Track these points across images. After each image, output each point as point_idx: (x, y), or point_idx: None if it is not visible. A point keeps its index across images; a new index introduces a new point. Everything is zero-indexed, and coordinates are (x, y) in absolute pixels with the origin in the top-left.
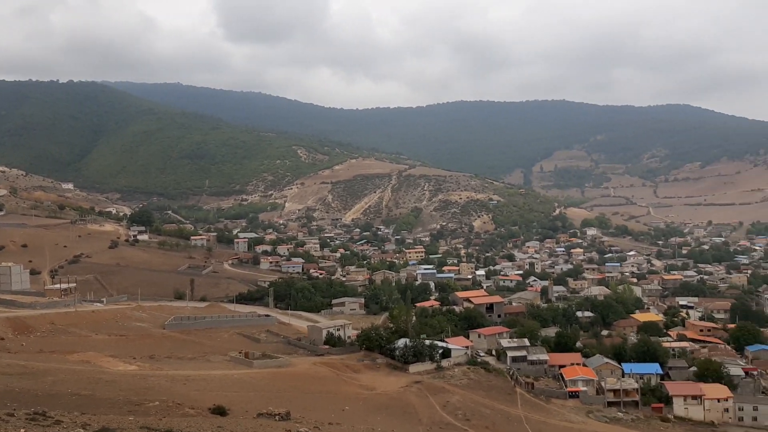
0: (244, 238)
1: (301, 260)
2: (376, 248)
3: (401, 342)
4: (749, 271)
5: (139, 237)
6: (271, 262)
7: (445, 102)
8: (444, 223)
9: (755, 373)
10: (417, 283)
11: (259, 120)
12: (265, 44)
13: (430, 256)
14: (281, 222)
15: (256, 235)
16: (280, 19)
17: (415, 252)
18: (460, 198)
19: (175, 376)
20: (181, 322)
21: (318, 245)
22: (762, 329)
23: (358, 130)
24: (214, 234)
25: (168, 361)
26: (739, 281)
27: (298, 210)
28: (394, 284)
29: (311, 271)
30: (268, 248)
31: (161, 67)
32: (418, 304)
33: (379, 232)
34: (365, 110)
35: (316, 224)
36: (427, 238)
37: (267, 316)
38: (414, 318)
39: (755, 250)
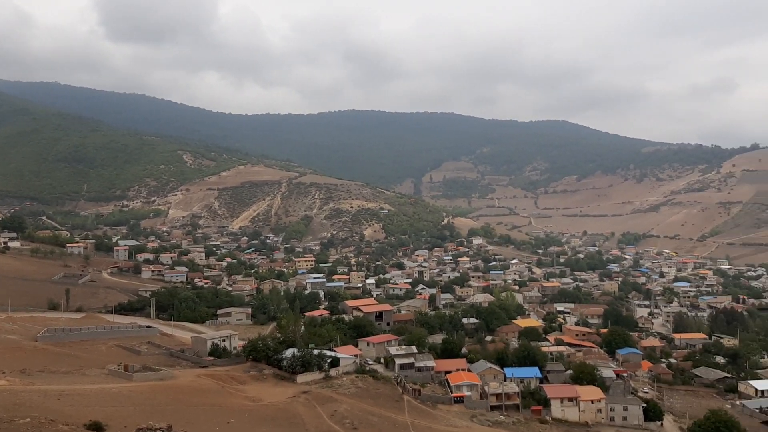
0: (125, 245)
1: (185, 269)
2: (265, 257)
3: (289, 352)
4: (620, 279)
5: (10, 244)
6: (153, 271)
7: (336, 110)
8: (335, 232)
9: (625, 374)
10: (306, 292)
11: (142, 123)
12: (149, 45)
13: (320, 265)
14: (164, 229)
15: (138, 243)
16: (166, 20)
17: (305, 261)
18: (352, 207)
19: (48, 391)
20: (54, 334)
21: (203, 254)
22: (631, 333)
23: (247, 136)
24: (92, 241)
25: (41, 375)
26: (610, 288)
27: (183, 217)
28: (282, 293)
29: (196, 280)
30: (150, 256)
31: (38, 66)
32: (307, 314)
33: (268, 241)
34: (255, 116)
35: (201, 232)
36: (318, 247)
37: (148, 327)
38: (302, 327)
39: (625, 258)
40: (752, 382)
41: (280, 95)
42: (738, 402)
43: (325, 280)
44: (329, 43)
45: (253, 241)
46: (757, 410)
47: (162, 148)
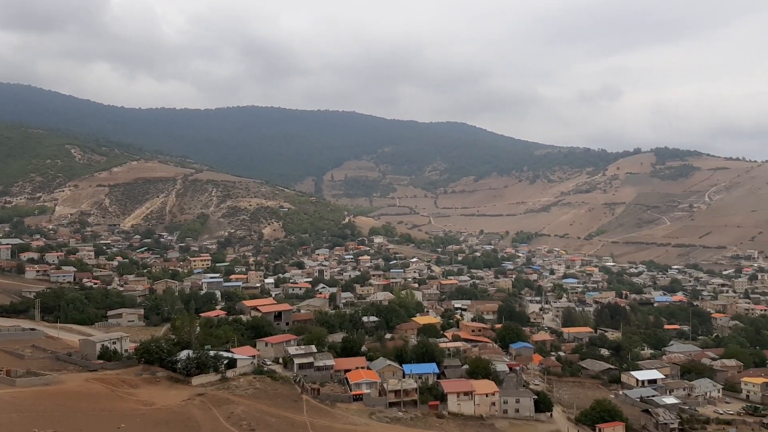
0: (7, 244)
1: (72, 269)
2: (159, 256)
3: (184, 354)
4: (514, 276)
5: None
6: (38, 271)
7: (235, 106)
8: (233, 231)
9: (518, 368)
10: (202, 292)
11: (27, 115)
12: (36, 33)
13: (217, 265)
14: (51, 227)
15: (21, 242)
16: (54, 7)
17: (201, 260)
18: (250, 205)
19: None
20: None
21: (93, 253)
22: (524, 328)
23: (141, 130)
24: None
25: None
26: (505, 285)
27: (71, 215)
28: (177, 294)
29: (84, 280)
30: (35, 255)
31: None
32: (202, 314)
33: (162, 239)
34: (149, 110)
35: (90, 230)
36: (215, 246)
37: (32, 329)
38: (198, 328)
39: (519, 256)
40: (633, 373)
41: (175, 89)
42: (621, 392)
43: (222, 279)
44: (227, 38)
45: (146, 240)
46: (638, 399)
47: (49, 142)
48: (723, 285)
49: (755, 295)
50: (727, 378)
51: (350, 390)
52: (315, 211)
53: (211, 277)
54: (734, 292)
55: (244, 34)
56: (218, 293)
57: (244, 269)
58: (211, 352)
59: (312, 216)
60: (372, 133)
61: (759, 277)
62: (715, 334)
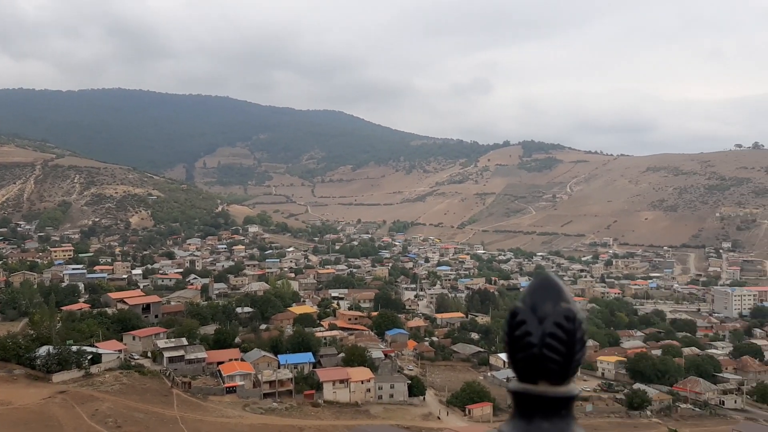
0: None
1: None
2: (15, 247)
3: (43, 350)
4: (390, 264)
5: None
6: None
7: (100, 88)
8: (97, 219)
9: (393, 354)
10: (64, 284)
11: None
12: None
13: (80, 255)
14: None
15: None
16: None
17: (63, 251)
18: (116, 192)
19: None
20: None
21: None
22: (399, 315)
23: None
24: None
25: None
26: (381, 273)
27: None
28: (35, 286)
29: None
30: None
31: None
32: (64, 308)
33: (19, 229)
34: (4, 90)
35: None
36: (77, 236)
37: None
38: (59, 323)
39: (395, 245)
40: (501, 355)
41: (35, 69)
42: (489, 373)
43: (85, 271)
44: (90, 16)
45: (1, 230)
46: (505, 380)
47: None
48: (582, 270)
49: (610, 279)
50: (585, 357)
51: (223, 382)
52: (186, 199)
53: (73, 269)
54: (592, 276)
55: (108, 12)
56: (81, 285)
57: (109, 260)
58: (74, 348)
59: (183, 204)
60: (247, 120)
61: (614, 262)
62: None
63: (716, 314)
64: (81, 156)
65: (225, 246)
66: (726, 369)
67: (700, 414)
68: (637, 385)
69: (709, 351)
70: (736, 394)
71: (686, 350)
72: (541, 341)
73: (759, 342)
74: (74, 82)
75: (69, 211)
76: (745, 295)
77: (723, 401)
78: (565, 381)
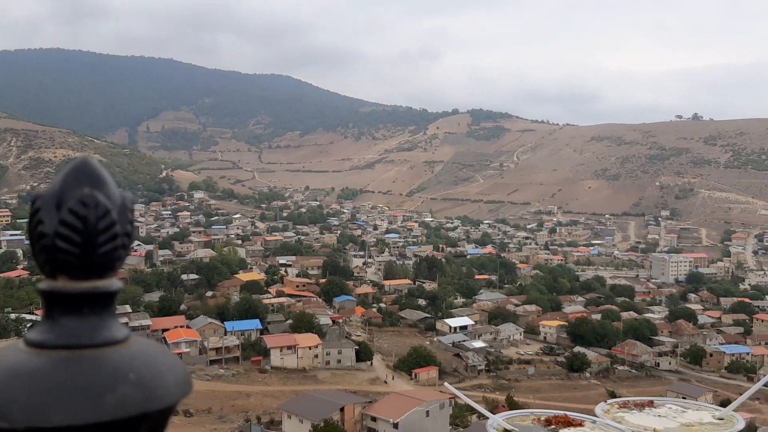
0: None
1: None
2: None
3: None
4: (338, 232)
5: None
6: None
7: (37, 48)
8: (36, 184)
9: (340, 321)
10: (1, 250)
11: None
12: None
13: (18, 221)
14: None
15: None
16: None
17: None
18: (56, 156)
19: None
20: None
21: None
22: (347, 282)
23: None
24: None
25: None
26: (330, 241)
27: None
28: None
29: None
30: None
31: None
32: (2, 275)
33: None
34: None
35: None
36: (15, 201)
37: None
38: None
39: (344, 212)
40: (447, 321)
41: None
42: (435, 338)
43: (23, 237)
44: None
45: None
46: (450, 344)
47: None
48: (527, 238)
49: (554, 246)
50: (528, 322)
51: (169, 349)
52: (129, 164)
53: (11, 235)
54: (536, 244)
55: None
56: (20, 252)
57: None
58: (13, 316)
59: (126, 169)
60: (191, 83)
61: (557, 230)
62: (518, 283)
63: (654, 280)
64: (17, 118)
65: (170, 212)
66: (662, 332)
67: (636, 375)
68: (577, 348)
69: (646, 315)
70: (671, 356)
71: (625, 314)
72: (54, 230)
73: (693, 306)
74: (8, 41)
75: (5, 175)
76: (681, 262)
77: (658, 363)
78: (87, 275)
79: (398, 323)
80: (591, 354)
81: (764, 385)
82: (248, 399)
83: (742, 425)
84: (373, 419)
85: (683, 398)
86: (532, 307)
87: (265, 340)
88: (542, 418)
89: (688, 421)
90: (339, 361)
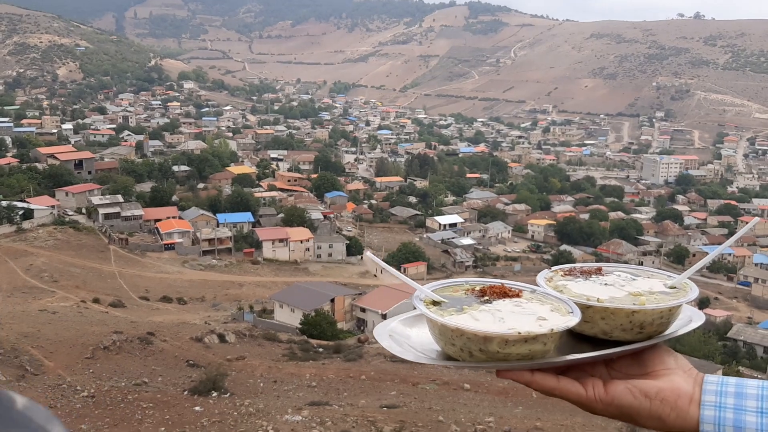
0: None
1: None
2: None
3: None
4: (330, 127)
5: None
6: None
7: None
8: (22, 70)
9: (332, 216)
10: None
11: None
12: None
13: (5, 108)
14: None
15: None
16: None
17: None
18: (41, 42)
19: None
20: None
21: None
22: (339, 177)
23: None
24: None
25: None
26: (322, 135)
27: None
28: None
29: None
30: None
31: None
32: None
33: None
34: None
35: None
36: (1, 87)
37: None
38: None
39: (336, 107)
40: (437, 218)
41: None
42: (425, 235)
43: (11, 125)
44: None
45: None
46: (440, 241)
47: None
48: (520, 137)
49: (546, 146)
50: (517, 220)
51: (161, 240)
52: (117, 51)
53: None
54: (529, 143)
55: None
56: (8, 139)
57: (37, 113)
58: (4, 203)
59: (114, 57)
60: None
61: (551, 129)
62: (510, 182)
63: (644, 181)
64: (0, 2)
65: (159, 102)
66: (648, 232)
67: None
68: (563, 247)
69: (634, 215)
70: (655, 256)
71: (612, 214)
72: None
73: (680, 208)
74: None
75: None
76: (672, 163)
77: (642, 262)
78: None
79: (389, 220)
80: (576, 252)
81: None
82: (241, 289)
83: (695, 294)
84: (363, 310)
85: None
86: (522, 206)
87: (257, 233)
88: (476, 288)
89: (637, 289)
90: (330, 255)
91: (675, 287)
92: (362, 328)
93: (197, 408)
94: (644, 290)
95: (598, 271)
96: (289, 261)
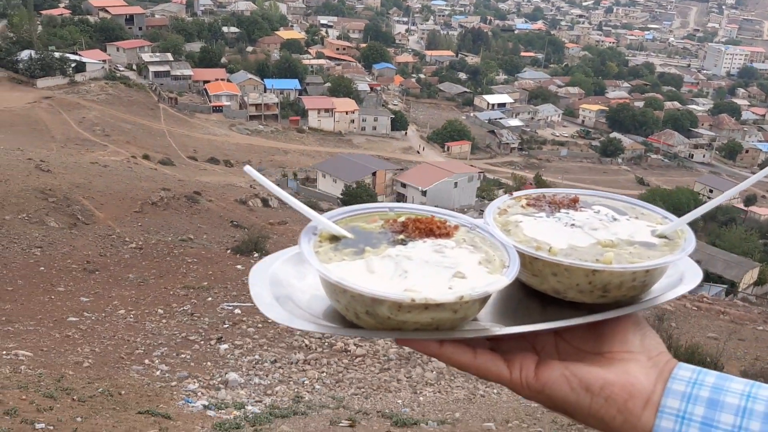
0: None
1: None
2: None
3: (25, 54)
4: None
5: None
6: None
7: None
8: None
9: (378, 88)
10: None
11: None
12: None
13: None
14: None
15: None
16: None
17: None
18: None
19: None
20: None
21: None
22: (388, 48)
23: None
24: None
25: None
26: (373, 3)
27: None
28: None
29: None
30: None
31: None
32: (43, 12)
33: None
34: None
35: None
36: None
37: None
38: (39, 27)
39: None
40: (486, 97)
41: None
42: (472, 113)
43: None
44: None
45: None
46: (486, 121)
47: None
48: (580, 16)
49: (607, 27)
50: (569, 104)
51: (210, 101)
52: None
53: None
54: (589, 23)
55: None
56: None
57: None
58: (56, 54)
59: None
60: None
61: (614, 10)
62: (565, 63)
63: (705, 71)
64: None
65: None
66: (702, 125)
67: (667, 165)
68: (613, 134)
69: (690, 106)
70: (706, 149)
71: (668, 104)
72: None
73: (739, 101)
74: None
75: None
76: (736, 54)
77: (692, 155)
78: None
79: (436, 96)
80: (626, 140)
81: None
82: (285, 156)
83: (688, 250)
84: (403, 185)
85: (690, 156)
86: (575, 90)
87: (304, 101)
88: (398, 220)
89: (612, 236)
90: (374, 128)
91: (665, 236)
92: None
93: (239, 266)
94: (621, 238)
95: (573, 204)
96: (334, 132)
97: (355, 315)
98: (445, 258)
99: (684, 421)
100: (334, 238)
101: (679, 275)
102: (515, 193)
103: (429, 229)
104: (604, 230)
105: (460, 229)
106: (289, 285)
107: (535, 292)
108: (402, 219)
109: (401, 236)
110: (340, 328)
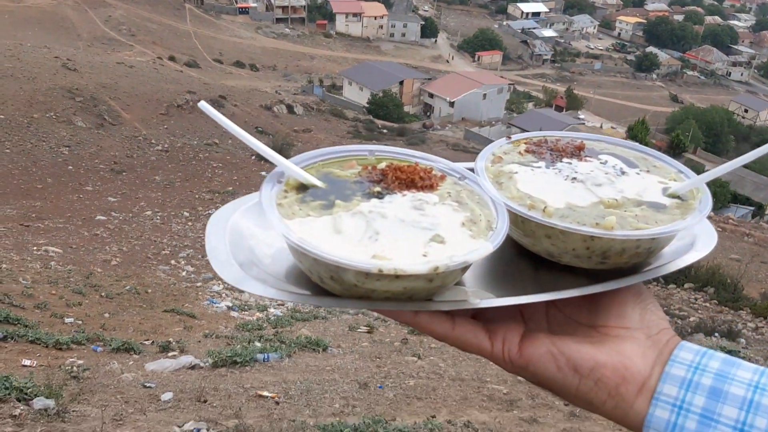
0: None
1: None
2: None
3: None
4: None
5: None
6: None
7: None
8: None
9: None
10: None
11: None
12: None
13: None
14: None
15: None
16: None
17: None
18: None
19: None
20: None
21: None
22: None
23: None
24: None
25: None
26: None
27: None
28: None
29: None
30: None
31: None
32: None
33: None
34: None
35: None
36: None
37: None
38: None
39: None
40: (519, 5)
41: None
42: (505, 23)
43: None
44: None
45: None
46: (519, 30)
47: None
48: None
49: None
50: (606, 15)
51: (236, 2)
52: None
53: None
54: None
55: None
56: None
57: None
58: None
59: None
60: None
61: None
62: None
63: None
64: None
65: None
66: (742, 42)
67: (704, 82)
68: (650, 49)
69: (731, 22)
70: (745, 67)
71: (709, 18)
72: None
73: None
74: None
75: None
76: None
77: (730, 72)
78: None
79: (468, 2)
80: (663, 56)
81: None
82: (312, 61)
83: (705, 211)
84: (431, 95)
85: (727, 74)
86: (613, 0)
87: (331, 4)
88: (378, 167)
89: (617, 194)
90: (403, 35)
91: (678, 197)
92: (428, 113)
93: (263, 173)
94: (628, 197)
95: (577, 152)
96: (362, 37)
97: (320, 279)
98: (424, 217)
99: (681, 412)
100: (303, 187)
101: (692, 239)
102: (514, 137)
103: (411, 180)
104: (609, 186)
105: (446, 180)
106: (252, 237)
107: (528, 252)
108: (382, 165)
109: (378, 188)
110: (299, 296)
